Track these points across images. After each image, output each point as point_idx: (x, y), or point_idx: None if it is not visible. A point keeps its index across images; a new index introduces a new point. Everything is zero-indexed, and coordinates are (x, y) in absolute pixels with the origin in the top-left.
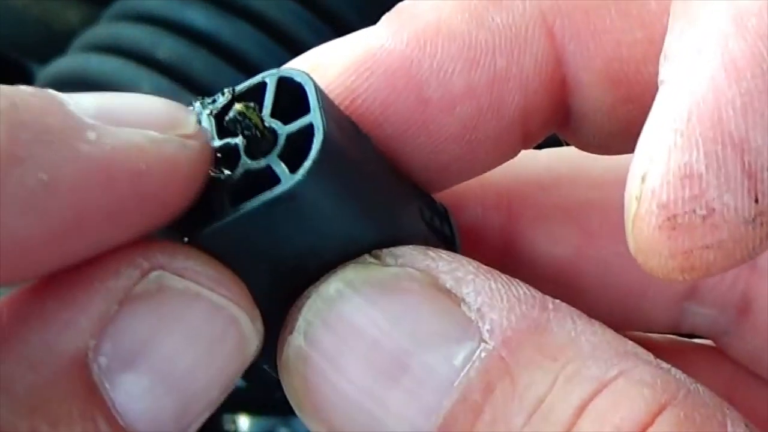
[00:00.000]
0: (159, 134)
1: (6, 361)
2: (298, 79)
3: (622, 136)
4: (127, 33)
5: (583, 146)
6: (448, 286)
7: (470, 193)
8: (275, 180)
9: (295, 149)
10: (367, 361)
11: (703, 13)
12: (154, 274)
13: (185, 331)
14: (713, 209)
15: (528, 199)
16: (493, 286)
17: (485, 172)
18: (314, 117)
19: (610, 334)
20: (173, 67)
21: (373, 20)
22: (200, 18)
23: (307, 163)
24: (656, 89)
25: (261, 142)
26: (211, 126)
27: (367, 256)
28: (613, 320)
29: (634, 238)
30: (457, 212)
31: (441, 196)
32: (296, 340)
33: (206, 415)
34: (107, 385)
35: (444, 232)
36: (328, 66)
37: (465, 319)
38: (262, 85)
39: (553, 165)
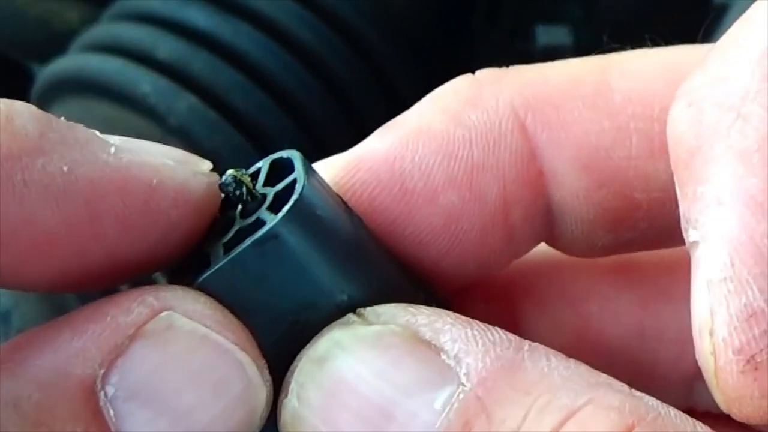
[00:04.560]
0: (172, 161)
1: (18, 380)
2: (286, 155)
3: (602, 225)
4: (127, 33)
5: (569, 248)
6: (427, 337)
7: (474, 289)
8: (263, 225)
9: (283, 205)
10: (357, 415)
11: (710, 169)
12: (165, 313)
13: (191, 369)
14: None
15: (527, 290)
16: (469, 333)
17: (475, 275)
18: (298, 173)
19: (584, 368)
20: (173, 67)
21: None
22: (200, 18)
23: (288, 205)
24: (626, 173)
25: (252, 203)
26: None
27: (351, 315)
28: None
29: (721, 393)
30: (459, 304)
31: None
32: (291, 403)
33: None
34: (112, 413)
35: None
36: (322, 168)
37: (444, 367)
38: (257, 172)
39: (551, 255)
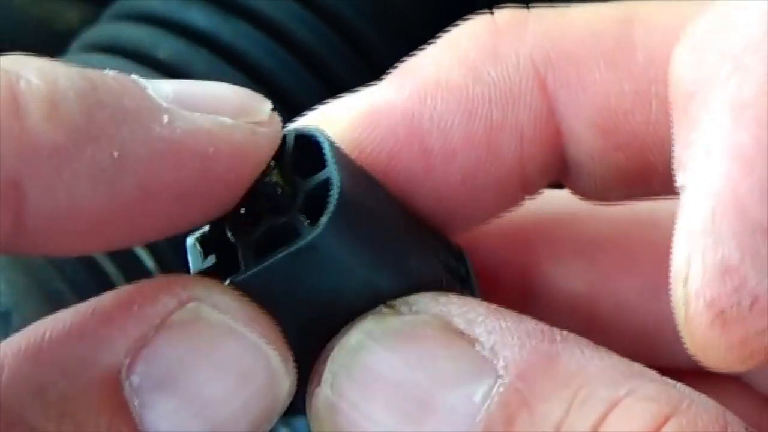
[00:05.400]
0: (230, 120)
1: (42, 367)
2: (313, 134)
3: (616, 183)
4: (128, 33)
5: (582, 193)
6: (461, 328)
7: (489, 230)
8: (296, 233)
9: (314, 201)
10: (392, 406)
11: (704, 116)
12: (192, 304)
13: (216, 361)
14: (757, 296)
15: (544, 234)
16: (504, 324)
17: (491, 218)
18: (330, 171)
19: (616, 357)
20: (173, 67)
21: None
22: (200, 18)
23: (325, 218)
24: (644, 138)
25: (282, 199)
26: None
27: (382, 307)
28: (632, 355)
29: (690, 339)
30: (475, 248)
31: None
32: (323, 392)
33: None
34: (136, 403)
35: (460, 272)
36: (336, 120)
37: (480, 358)
38: (282, 139)
39: (571, 203)
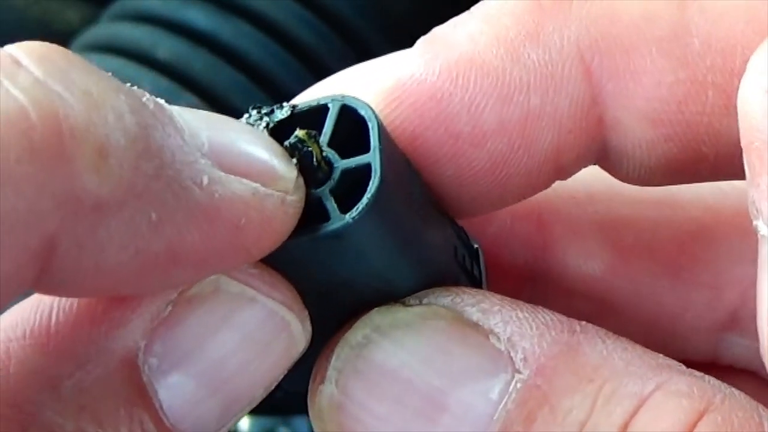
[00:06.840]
0: (262, 188)
1: (55, 358)
2: (362, 112)
3: (662, 171)
4: (127, 33)
5: (623, 178)
6: (474, 319)
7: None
8: (324, 213)
9: (348, 183)
10: (403, 404)
11: None
12: (211, 276)
13: (237, 334)
14: None
15: (560, 212)
16: (520, 314)
17: (515, 203)
18: (373, 159)
19: (640, 349)
20: (173, 67)
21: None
22: (200, 18)
23: (359, 209)
24: (697, 129)
25: (316, 171)
26: None
27: (390, 302)
28: (646, 344)
29: None
30: (486, 221)
31: None
32: (328, 389)
33: (247, 411)
34: (156, 386)
35: (473, 272)
36: (357, 93)
37: (495, 352)
38: (323, 108)
39: (588, 180)
